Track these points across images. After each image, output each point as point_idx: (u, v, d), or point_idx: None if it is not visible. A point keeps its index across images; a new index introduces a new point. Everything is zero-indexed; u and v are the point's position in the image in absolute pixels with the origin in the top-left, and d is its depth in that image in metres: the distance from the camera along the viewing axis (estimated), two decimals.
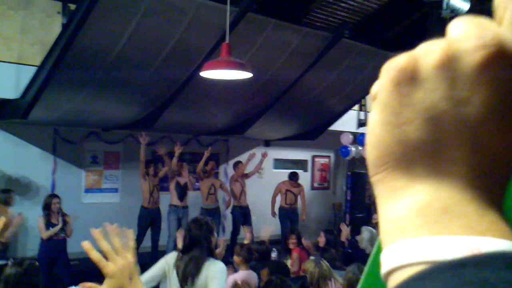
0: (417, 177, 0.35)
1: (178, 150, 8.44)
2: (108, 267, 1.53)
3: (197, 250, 3.38)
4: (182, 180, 8.80)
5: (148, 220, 8.59)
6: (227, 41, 5.27)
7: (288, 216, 10.05)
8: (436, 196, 0.34)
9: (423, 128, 0.34)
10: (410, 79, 0.35)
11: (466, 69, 0.34)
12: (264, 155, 10.00)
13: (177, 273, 3.40)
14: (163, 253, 8.47)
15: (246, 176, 9.87)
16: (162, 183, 9.13)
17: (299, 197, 10.30)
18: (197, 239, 3.40)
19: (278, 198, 10.28)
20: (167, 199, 8.96)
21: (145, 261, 7.89)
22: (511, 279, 0.28)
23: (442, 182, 0.34)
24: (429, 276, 0.30)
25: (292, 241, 6.61)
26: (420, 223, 0.33)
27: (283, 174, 12.41)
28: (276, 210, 10.19)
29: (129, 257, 1.60)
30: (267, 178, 11.64)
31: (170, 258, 3.56)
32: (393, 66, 0.36)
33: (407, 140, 0.35)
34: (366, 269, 0.48)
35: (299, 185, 10.27)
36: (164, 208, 8.91)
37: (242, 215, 9.71)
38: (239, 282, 4.52)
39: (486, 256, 0.30)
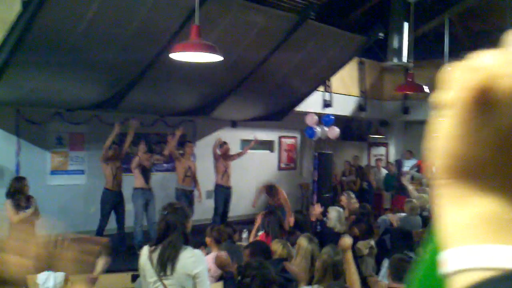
0: (486, 189, 0.38)
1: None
2: None
3: (173, 236, 3.24)
4: (146, 163, 8.72)
5: (112, 203, 8.49)
6: (196, 22, 5.25)
7: None
8: (504, 209, 0.37)
9: (498, 148, 0.37)
10: (490, 101, 0.37)
11: None
12: (255, 141, 10.22)
13: (152, 264, 3.26)
14: (130, 236, 8.52)
15: (230, 157, 10.01)
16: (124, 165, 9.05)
17: None
18: (173, 224, 3.27)
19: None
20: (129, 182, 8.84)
21: (114, 244, 7.97)
22: None
23: (510, 198, 0.37)
24: (499, 282, 0.33)
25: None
26: (488, 231, 0.36)
27: (250, 155, 12.52)
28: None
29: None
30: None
31: (142, 254, 3.41)
32: (472, 83, 0.38)
33: (481, 157, 0.38)
34: (421, 265, 0.49)
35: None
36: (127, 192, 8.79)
37: (224, 195, 9.81)
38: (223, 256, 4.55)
39: None
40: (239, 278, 3.41)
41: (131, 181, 8.75)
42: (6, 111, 8.63)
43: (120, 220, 8.61)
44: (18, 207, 6.52)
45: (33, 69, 6.90)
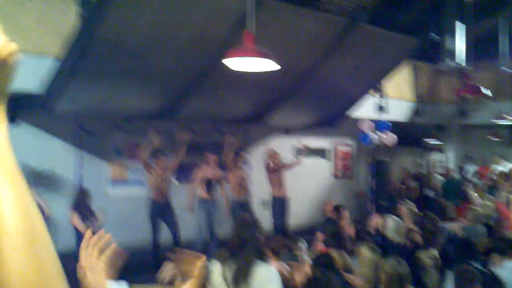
0: None
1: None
2: None
3: (247, 250, 3.13)
4: (209, 173, 8.54)
5: (157, 213, 8.32)
6: (251, 30, 5.14)
7: None
8: None
9: None
10: None
11: None
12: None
13: (226, 280, 3.14)
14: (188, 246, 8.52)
15: (282, 167, 9.60)
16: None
17: None
18: (247, 239, 3.16)
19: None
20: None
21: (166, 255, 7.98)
22: None
23: None
24: None
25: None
26: None
27: (304, 163, 12.42)
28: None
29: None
30: None
31: (213, 271, 3.27)
32: None
33: None
34: None
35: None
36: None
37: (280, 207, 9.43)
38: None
39: None
40: None
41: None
42: (67, 124, 8.90)
43: (172, 231, 8.39)
44: (84, 218, 6.68)
45: (93, 81, 7.10)
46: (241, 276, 3.09)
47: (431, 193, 12.40)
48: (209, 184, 8.48)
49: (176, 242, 8.39)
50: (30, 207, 0.66)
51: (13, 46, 0.67)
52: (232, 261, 3.16)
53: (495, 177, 12.59)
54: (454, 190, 12.27)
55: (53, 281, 0.64)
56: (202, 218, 8.40)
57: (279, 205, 9.47)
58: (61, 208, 7.61)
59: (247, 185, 9.00)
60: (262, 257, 3.20)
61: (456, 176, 13.07)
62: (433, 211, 12.10)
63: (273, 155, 9.46)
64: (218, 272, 3.23)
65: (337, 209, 8.21)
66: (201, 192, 8.49)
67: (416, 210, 7.95)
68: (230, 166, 8.77)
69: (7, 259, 0.61)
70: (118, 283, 4.86)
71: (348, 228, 6.80)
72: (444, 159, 15.47)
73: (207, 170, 8.54)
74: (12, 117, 7.56)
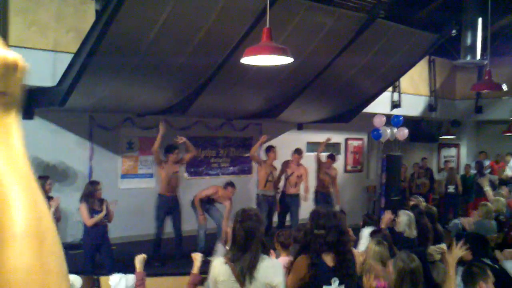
0: None
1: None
2: None
3: (253, 244, 3.14)
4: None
5: (165, 208, 8.20)
6: (267, 25, 5.17)
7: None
8: None
9: None
10: None
11: None
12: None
13: (232, 273, 3.14)
14: (189, 241, 8.53)
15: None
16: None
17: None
18: (252, 232, 3.16)
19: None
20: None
21: (169, 249, 8.01)
22: None
23: None
24: None
25: None
26: None
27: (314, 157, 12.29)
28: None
29: None
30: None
31: (215, 265, 3.29)
32: None
33: None
34: None
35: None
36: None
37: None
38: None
39: None
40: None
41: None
42: (80, 117, 8.92)
43: (176, 226, 8.32)
44: (92, 210, 6.70)
45: (106, 76, 7.06)
46: (245, 268, 3.09)
47: (450, 189, 12.25)
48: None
49: (178, 237, 8.31)
50: (42, 213, 0.70)
51: (16, 55, 0.71)
52: (237, 254, 3.16)
53: (510, 173, 12.49)
54: (470, 185, 12.19)
55: (58, 284, 0.67)
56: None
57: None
58: (73, 200, 7.62)
59: (273, 180, 9.28)
60: (265, 250, 3.22)
61: (472, 171, 12.95)
62: (457, 208, 12.11)
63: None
64: (221, 265, 3.23)
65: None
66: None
67: (425, 204, 7.91)
68: (258, 160, 9.28)
69: (13, 262, 0.65)
70: (126, 276, 4.85)
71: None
72: (457, 155, 15.33)
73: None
74: (27, 112, 7.56)
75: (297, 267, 3.30)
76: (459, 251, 4.15)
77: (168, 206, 8.23)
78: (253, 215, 3.27)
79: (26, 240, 0.66)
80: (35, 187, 0.71)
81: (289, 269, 3.49)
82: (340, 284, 3.32)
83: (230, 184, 8.57)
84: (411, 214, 6.68)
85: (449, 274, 3.69)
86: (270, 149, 9.39)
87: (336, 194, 10.20)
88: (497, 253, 5.47)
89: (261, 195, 9.16)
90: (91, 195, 6.75)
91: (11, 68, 0.70)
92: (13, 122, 0.72)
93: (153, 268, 6.79)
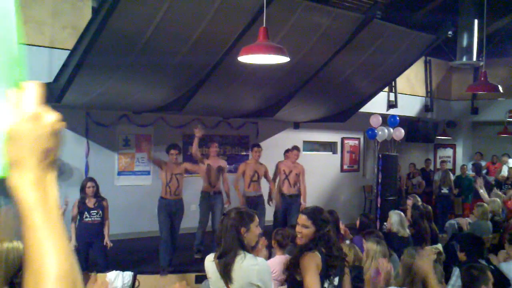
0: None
1: (198, 134, 7.69)
2: None
3: (226, 241, 3.15)
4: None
5: (166, 212, 7.71)
6: (264, 24, 5.20)
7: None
8: None
9: None
10: None
11: None
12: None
13: (216, 270, 3.18)
14: (190, 237, 8.53)
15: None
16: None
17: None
18: (226, 229, 3.18)
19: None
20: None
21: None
22: None
23: None
24: None
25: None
26: None
27: (312, 156, 12.37)
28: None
29: None
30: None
31: (206, 260, 3.34)
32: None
33: None
34: None
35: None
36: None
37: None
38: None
39: None
40: None
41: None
42: (76, 114, 8.91)
43: (173, 231, 7.78)
44: (83, 206, 6.66)
45: (102, 73, 7.07)
46: (224, 265, 3.11)
47: (444, 190, 12.25)
48: (209, 176, 8.32)
49: (173, 243, 7.85)
50: (73, 262, 0.80)
51: (58, 118, 0.82)
52: (219, 255, 3.18)
53: (506, 174, 12.53)
54: (466, 186, 12.22)
55: None
56: (203, 210, 8.36)
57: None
58: (70, 197, 7.61)
59: (259, 180, 8.74)
60: (243, 247, 3.16)
61: (469, 172, 12.99)
62: (451, 209, 12.13)
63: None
64: (210, 261, 3.26)
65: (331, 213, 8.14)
66: (203, 184, 8.44)
67: (421, 204, 7.93)
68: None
69: None
70: (123, 273, 4.87)
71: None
72: (452, 155, 15.37)
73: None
74: None
75: (312, 263, 3.22)
76: (430, 254, 4.20)
77: (168, 210, 7.80)
78: (235, 213, 3.25)
79: (63, 282, 0.76)
80: (65, 239, 0.81)
81: (289, 267, 3.45)
82: (334, 277, 3.33)
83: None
84: (401, 213, 6.71)
85: (429, 281, 3.67)
86: (253, 147, 8.85)
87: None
88: (492, 257, 5.48)
89: (245, 196, 8.58)
90: (82, 191, 6.74)
91: (57, 133, 0.81)
92: (52, 179, 0.82)
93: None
